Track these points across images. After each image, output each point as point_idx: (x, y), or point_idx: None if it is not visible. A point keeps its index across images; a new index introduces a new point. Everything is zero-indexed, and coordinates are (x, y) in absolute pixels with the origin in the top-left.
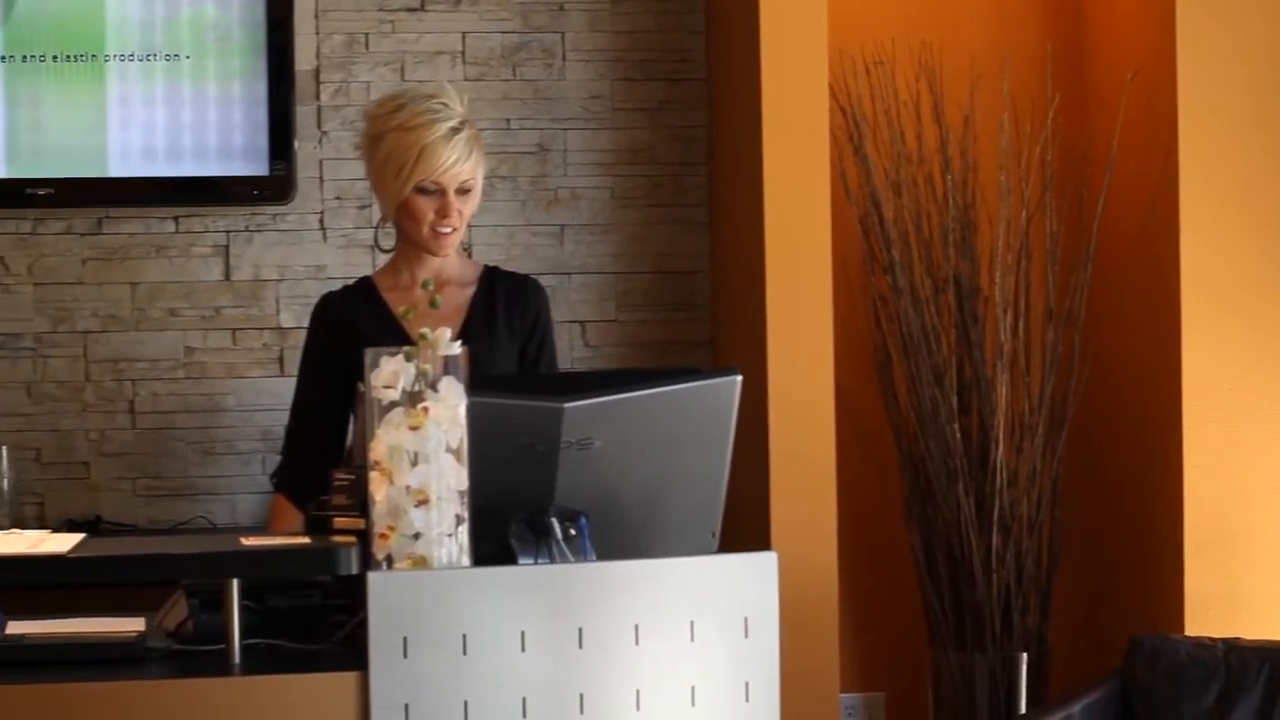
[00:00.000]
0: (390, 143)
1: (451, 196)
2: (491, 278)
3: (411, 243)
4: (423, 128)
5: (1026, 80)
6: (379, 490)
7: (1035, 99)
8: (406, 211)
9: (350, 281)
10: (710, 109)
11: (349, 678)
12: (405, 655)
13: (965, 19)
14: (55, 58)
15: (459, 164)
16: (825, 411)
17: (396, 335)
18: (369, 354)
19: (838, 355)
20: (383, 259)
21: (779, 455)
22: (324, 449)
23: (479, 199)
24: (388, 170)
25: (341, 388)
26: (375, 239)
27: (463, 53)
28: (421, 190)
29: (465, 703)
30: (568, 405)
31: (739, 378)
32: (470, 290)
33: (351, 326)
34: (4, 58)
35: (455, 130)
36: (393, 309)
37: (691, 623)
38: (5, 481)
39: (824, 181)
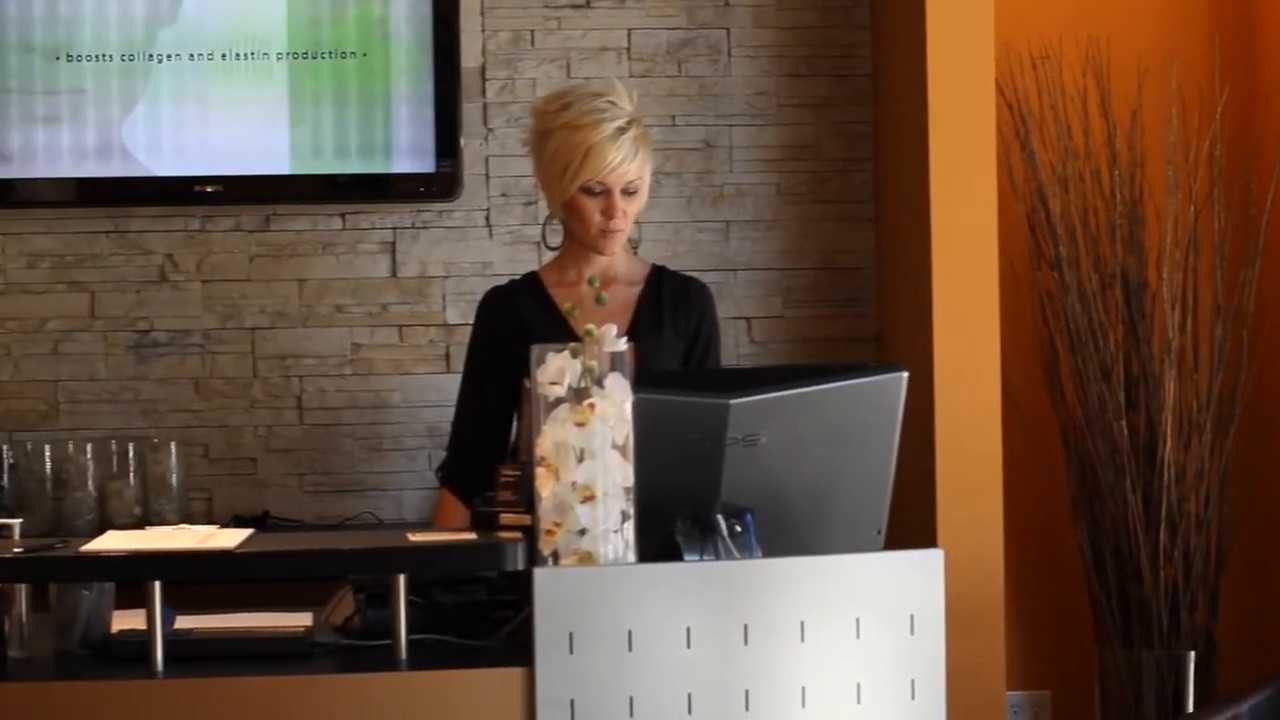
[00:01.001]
0: (557, 141)
1: (617, 196)
2: (659, 277)
3: (578, 241)
4: (589, 127)
5: (1194, 74)
6: (545, 486)
7: (1203, 93)
8: (573, 211)
9: (516, 277)
10: (876, 104)
11: (514, 673)
12: (571, 651)
13: (1133, 13)
14: (224, 55)
15: (625, 164)
16: (992, 408)
17: (562, 331)
18: (535, 350)
19: (1004, 351)
20: (549, 254)
21: (945, 452)
22: (489, 444)
23: (645, 197)
24: (554, 169)
25: (507, 383)
26: (542, 236)
27: (628, 49)
28: (587, 190)
29: (630, 699)
30: (734, 401)
31: (905, 374)
32: (637, 289)
33: (517, 322)
34: (173, 56)
35: (622, 130)
36: (559, 305)
37: (857, 620)
38: (174, 477)
39: (990, 177)
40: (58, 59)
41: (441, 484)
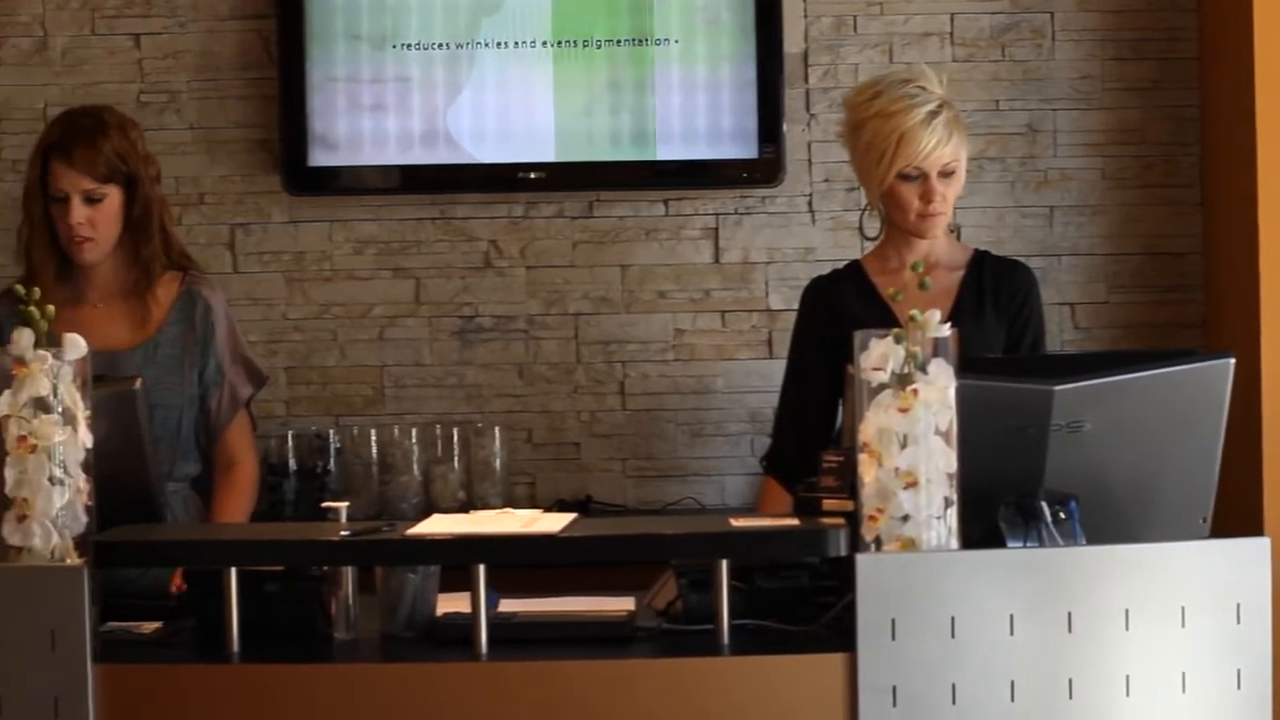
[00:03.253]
0: (870, 130)
1: (934, 180)
2: (981, 262)
3: (898, 227)
4: (901, 113)
5: None
6: (868, 472)
7: None
8: (891, 198)
9: (839, 265)
10: (1202, 87)
11: (836, 659)
12: (893, 637)
13: None
14: (547, 43)
15: (939, 147)
16: None
17: (884, 319)
18: (858, 336)
19: None
20: (871, 241)
21: (1272, 438)
22: (813, 432)
23: (963, 180)
24: (869, 158)
25: (830, 371)
26: (860, 225)
27: (951, 34)
28: (904, 176)
29: (953, 686)
30: (1058, 388)
31: (1232, 360)
32: (959, 274)
33: (840, 310)
34: (497, 43)
35: (934, 113)
36: (881, 292)
37: (1182, 608)
38: (498, 461)
39: None
40: (384, 47)
41: (766, 472)
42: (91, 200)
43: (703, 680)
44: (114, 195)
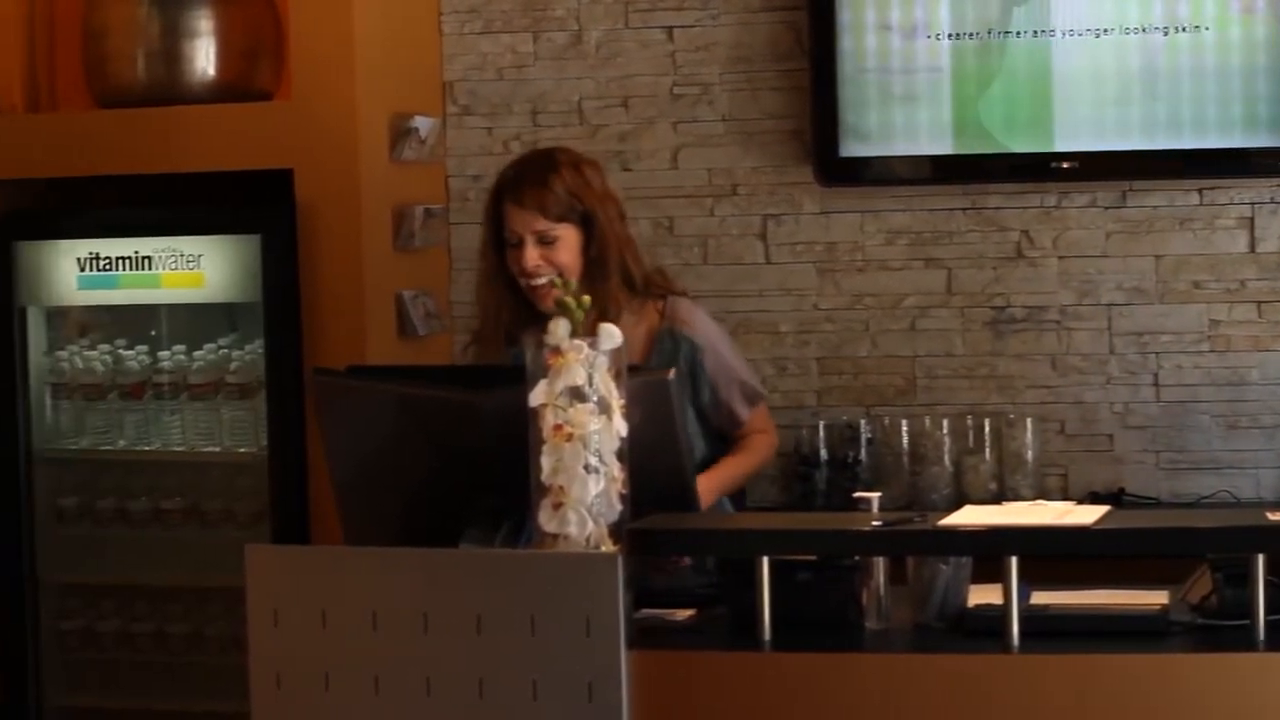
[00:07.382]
0: None
1: None
2: None
3: None
4: None
5: None
6: None
7: None
8: None
9: None
10: None
11: None
12: None
13: None
14: (1077, 32)
15: None
16: None
17: None
18: None
19: None
20: None
21: None
22: None
23: None
24: None
25: None
26: None
27: None
28: None
29: None
30: None
31: None
32: None
33: None
34: (1027, 33)
35: None
36: None
37: None
38: (1030, 453)
39: None
40: (915, 38)
41: None
42: (545, 241)
43: (1238, 676)
44: (569, 235)
